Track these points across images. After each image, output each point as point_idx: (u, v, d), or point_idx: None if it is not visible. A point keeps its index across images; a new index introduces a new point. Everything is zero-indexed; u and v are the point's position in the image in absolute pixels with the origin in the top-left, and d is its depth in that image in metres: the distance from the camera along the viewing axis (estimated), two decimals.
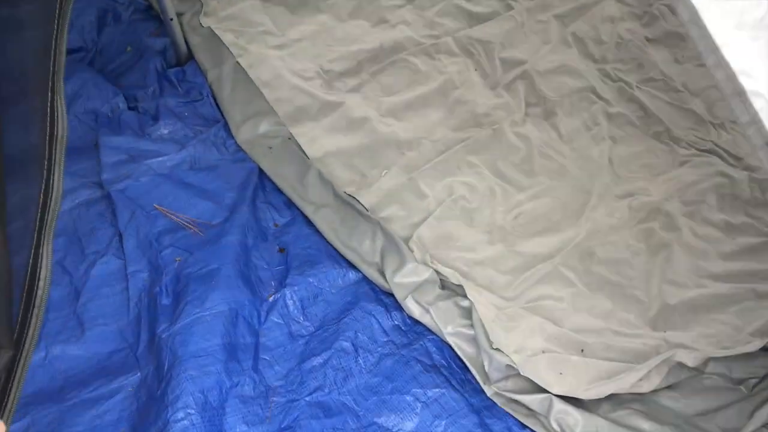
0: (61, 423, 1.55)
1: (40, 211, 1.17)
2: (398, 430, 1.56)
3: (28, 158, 1.22)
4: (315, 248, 1.92)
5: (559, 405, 1.54)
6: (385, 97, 2.34)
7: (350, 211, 1.99)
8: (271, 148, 2.19)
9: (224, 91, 2.33)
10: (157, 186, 1.97)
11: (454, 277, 1.79)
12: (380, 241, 1.90)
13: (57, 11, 1.34)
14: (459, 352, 1.68)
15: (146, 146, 2.09)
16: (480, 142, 2.18)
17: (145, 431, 1.53)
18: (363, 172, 2.13)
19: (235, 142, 2.21)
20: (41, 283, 1.14)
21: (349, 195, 2.02)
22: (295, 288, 1.80)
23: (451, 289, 1.80)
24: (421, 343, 1.73)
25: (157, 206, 1.91)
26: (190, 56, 2.47)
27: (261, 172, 2.13)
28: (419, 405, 1.59)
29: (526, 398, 1.57)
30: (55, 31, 1.32)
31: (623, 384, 1.57)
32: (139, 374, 1.64)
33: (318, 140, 2.21)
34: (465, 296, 1.74)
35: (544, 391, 1.57)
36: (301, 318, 1.78)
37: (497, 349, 1.61)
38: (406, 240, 1.91)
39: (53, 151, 1.22)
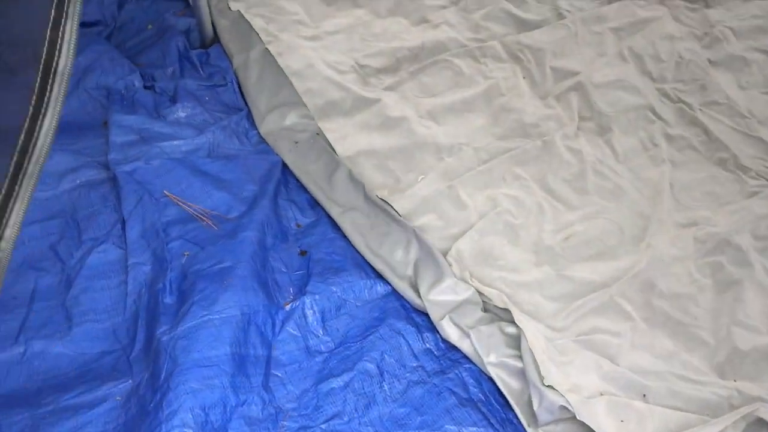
0: None
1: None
2: None
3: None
4: (340, 254, 1.71)
5: None
6: (425, 98, 2.15)
7: (382, 216, 1.78)
8: (297, 142, 1.99)
9: (250, 79, 2.14)
10: (169, 171, 1.76)
11: (499, 300, 1.57)
12: (414, 251, 1.69)
13: None
14: (501, 386, 1.45)
15: (160, 128, 1.89)
16: (528, 154, 1.97)
17: None
18: (397, 176, 1.92)
19: (258, 133, 2.02)
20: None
21: (381, 199, 1.81)
22: (316, 297, 1.58)
23: (494, 313, 1.58)
24: (457, 371, 1.50)
25: (167, 193, 1.70)
26: (216, 39, 2.28)
27: (284, 166, 1.93)
28: None
29: None
30: None
31: None
32: (130, 382, 1.41)
33: (349, 137, 2.01)
34: (511, 322, 1.52)
35: None
36: (321, 332, 1.55)
37: (549, 387, 1.38)
38: (444, 253, 1.69)
39: (49, 85, 1.01)
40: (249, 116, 2.04)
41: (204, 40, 2.26)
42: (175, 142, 1.85)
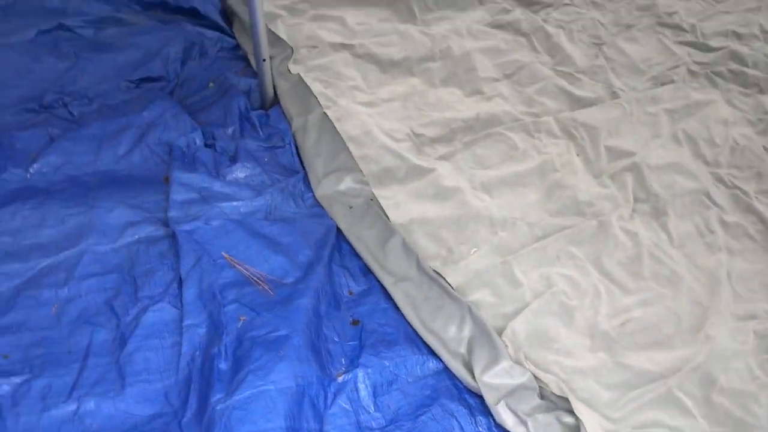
0: None
1: None
2: None
3: None
4: (392, 326, 1.69)
5: None
6: (479, 169, 2.16)
7: (435, 288, 1.77)
8: (351, 207, 2.00)
9: (308, 142, 2.17)
10: (228, 233, 1.78)
11: (556, 387, 1.53)
12: (468, 328, 1.66)
13: None
14: None
15: (220, 188, 1.91)
16: (583, 233, 1.96)
17: None
18: (450, 246, 1.92)
19: (314, 196, 2.03)
20: None
21: (434, 270, 1.81)
22: (369, 370, 1.56)
23: (550, 400, 1.54)
24: None
25: (225, 255, 1.71)
26: (276, 101, 2.33)
27: (338, 231, 1.94)
28: None
29: None
30: None
31: None
32: None
33: (403, 205, 2.02)
34: (569, 411, 1.48)
35: None
36: (372, 408, 1.53)
37: None
38: (499, 332, 1.67)
39: None
40: (305, 179, 2.06)
41: (264, 101, 2.31)
42: (234, 203, 1.87)
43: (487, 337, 1.62)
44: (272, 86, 2.31)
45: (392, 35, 2.68)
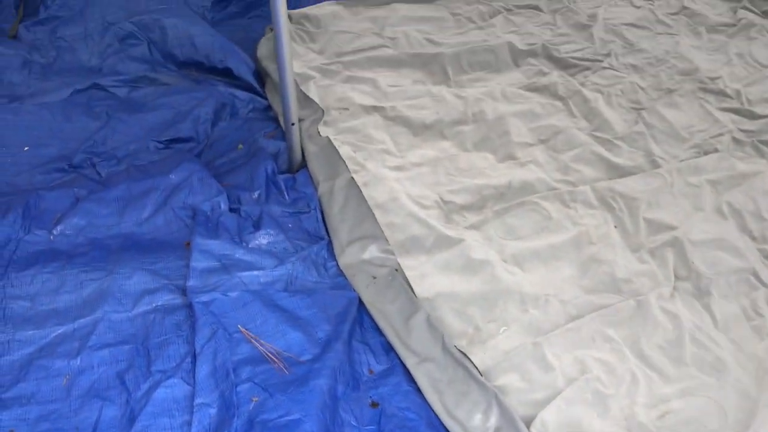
0: None
1: None
2: None
3: None
4: (414, 411, 1.60)
5: None
6: (510, 240, 2.07)
7: (460, 371, 1.67)
8: (375, 277, 1.93)
9: (334, 207, 2.12)
10: (246, 305, 1.72)
11: None
12: (495, 418, 1.56)
13: None
14: None
15: (242, 255, 1.87)
16: (621, 314, 1.84)
17: None
18: (477, 324, 1.82)
19: (337, 265, 1.97)
20: None
21: (460, 351, 1.71)
22: None
23: None
24: None
25: (242, 329, 1.65)
26: (303, 164, 2.30)
27: (361, 303, 1.86)
28: None
29: None
30: None
31: None
32: None
33: (429, 277, 1.94)
34: None
35: None
36: None
37: None
38: (527, 421, 1.55)
39: None
40: (329, 246, 2.01)
41: (292, 164, 2.28)
42: (255, 273, 1.82)
43: (514, 429, 1.51)
44: (300, 149, 2.29)
45: (425, 97, 2.65)
